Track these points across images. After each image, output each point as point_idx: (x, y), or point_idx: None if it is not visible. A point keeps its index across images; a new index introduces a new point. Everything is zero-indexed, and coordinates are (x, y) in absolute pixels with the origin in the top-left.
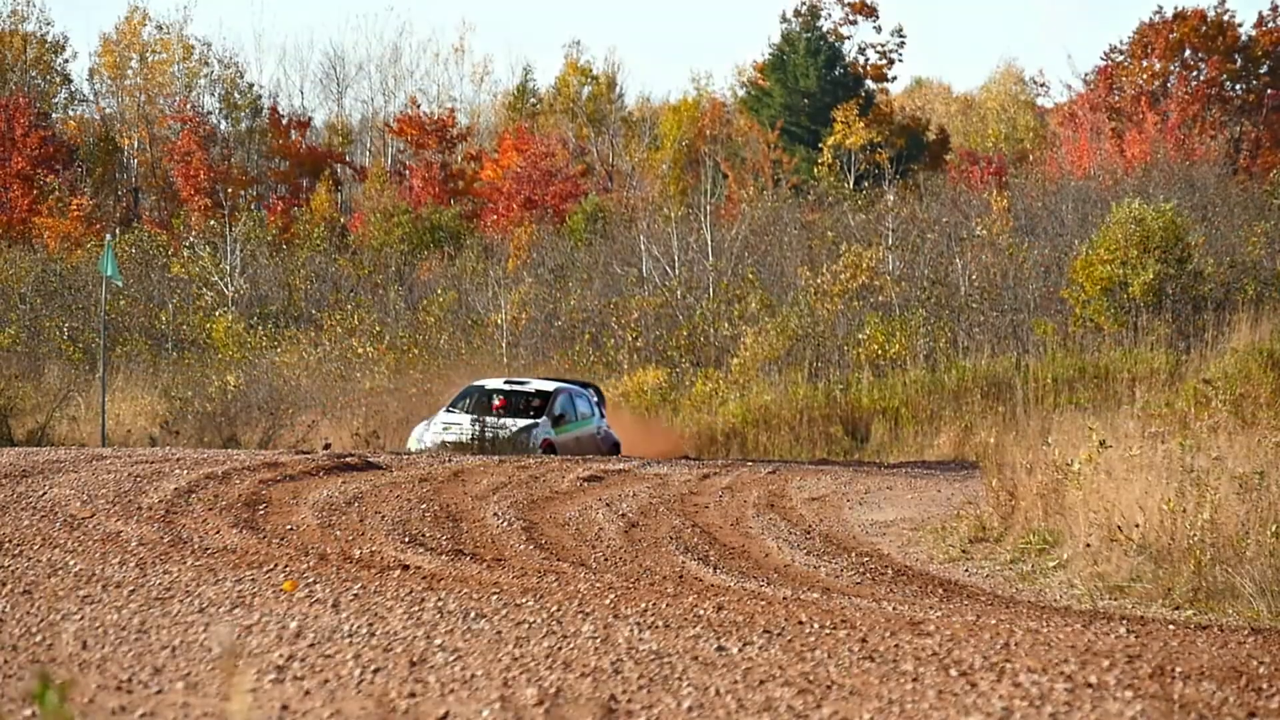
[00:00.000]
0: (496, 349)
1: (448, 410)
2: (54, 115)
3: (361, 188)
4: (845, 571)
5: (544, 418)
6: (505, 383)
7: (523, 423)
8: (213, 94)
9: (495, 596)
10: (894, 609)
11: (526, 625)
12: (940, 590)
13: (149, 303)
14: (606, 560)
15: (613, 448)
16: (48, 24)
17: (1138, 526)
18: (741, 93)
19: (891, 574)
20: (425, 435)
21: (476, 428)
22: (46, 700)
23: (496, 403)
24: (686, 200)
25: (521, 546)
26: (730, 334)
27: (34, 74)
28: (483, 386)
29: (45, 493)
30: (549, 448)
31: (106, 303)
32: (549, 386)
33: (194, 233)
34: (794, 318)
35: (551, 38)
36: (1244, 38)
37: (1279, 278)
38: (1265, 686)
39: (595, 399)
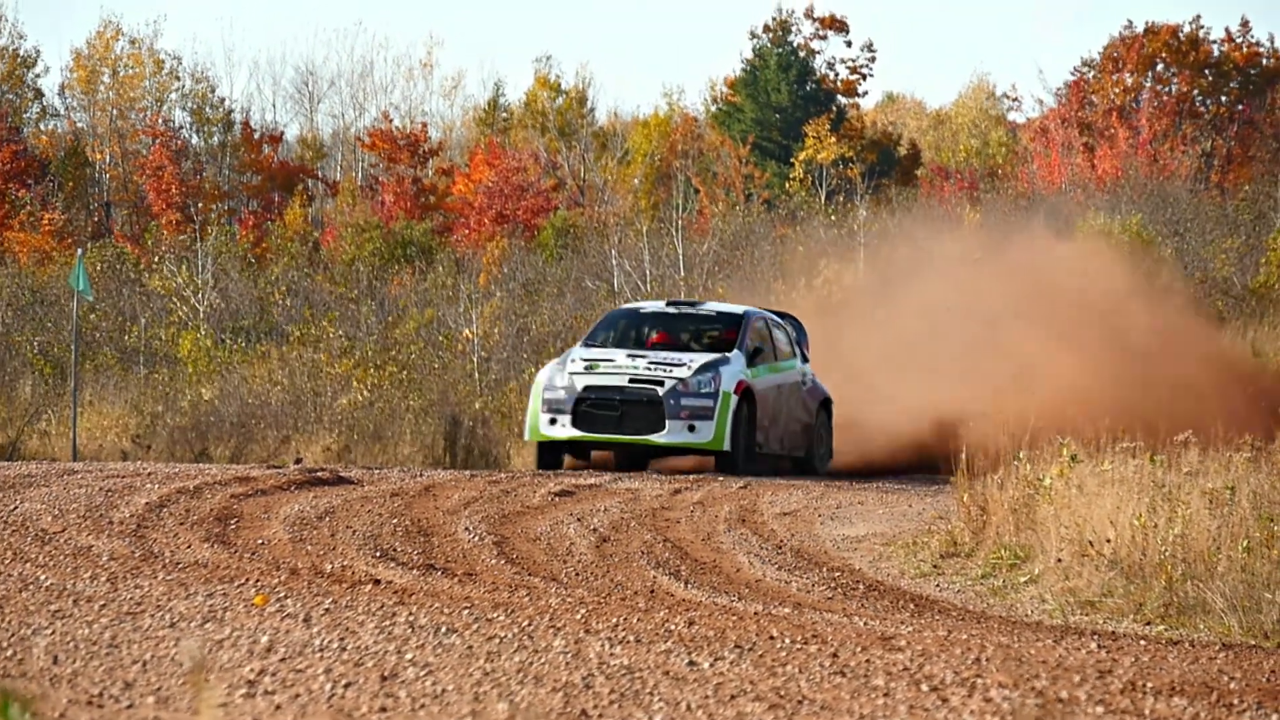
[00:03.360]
0: (469, 363)
1: (585, 345)
2: (25, 130)
3: (333, 202)
4: (816, 586)
5: (736, 351)
6: (668, 304)
7: (704, 358)
8: (184, 108)
9: (466, 611)
10: (865, 624)
11: (498, 640)
12: (912, 605)
13: (120, 317)
14: (578, 575)
15: (822, 405)
16: (20, 38)
17: (1109, 542)
18: (713, 108)
19: (863, 589)
20: (558, 378)
21: (639, 365)
22: (10, 715)
23: (654, 336)
24: (658, 214)
25: (493, 561)
26: None
27: (5, 88)
28: (637, 310)
29: (16, 507)
30: (746, 395)
31: (78, 317)
32: (736, 309)
33: (164, 247)
34: None
35: (524, 52)
36: (1215, 53)
37: (1250, 293)
38: (1236, 702)
39: (794, 335)
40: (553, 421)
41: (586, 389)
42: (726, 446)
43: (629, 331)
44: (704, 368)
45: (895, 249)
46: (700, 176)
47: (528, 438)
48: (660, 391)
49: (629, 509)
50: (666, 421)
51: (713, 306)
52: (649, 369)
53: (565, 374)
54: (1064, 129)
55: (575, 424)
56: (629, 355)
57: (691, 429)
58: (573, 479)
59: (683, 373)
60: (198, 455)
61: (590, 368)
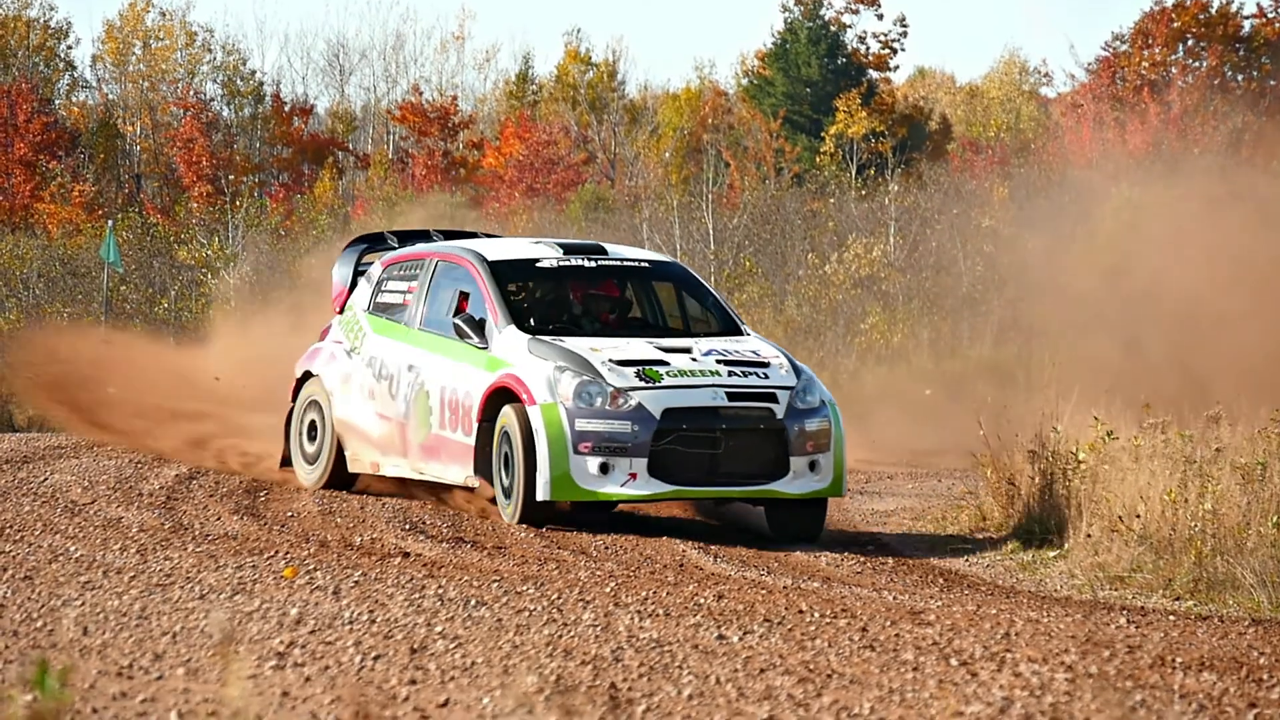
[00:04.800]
0: None
1: (433, 329)
2: (56, 101)
3: (364, 175)
4: (845, 561)
5: (750, 334)
6: (565, 251)
7: (746, 344)
8: (215, 81)
9: (496, 584)
10: (894, 598)
11: (527, 613)
12: (940, 580)
13: (150, 289)
14: (607, 549)
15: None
16: (51, 9)
17: (1139, 517)
18: (744, 82)
19: (892, 563)
20: (590, 395)
21: (708, 362)
22: (47, 685)
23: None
24: (688, 188)
25: (522, 534)
26: None
27: (37, 60)
28: (508, 263)
29: (46, 479)
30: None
31: (109, 289)
32: (661, 257)
33: (194, 219)
34: (793, 307)
35: (555, 25)
36: (1246, 27)
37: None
38: (1266, 677)
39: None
40: (605, 470)
41: (669, 414)
42: (845, 491)
43: (510, 299)
44: (778, 362)
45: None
46: (730, 150)
47: (547, 494)
48: (778, 410)
49: None
50: (791, 460)
51: (629, 253)
52: (725, 369)
53: (602, 386)
54: (1095, 104)
55: (656, 472)
56: (648, 342)
57: (813, 467)
58: None
59: (777, 374)
60: None
61: (648, 374)
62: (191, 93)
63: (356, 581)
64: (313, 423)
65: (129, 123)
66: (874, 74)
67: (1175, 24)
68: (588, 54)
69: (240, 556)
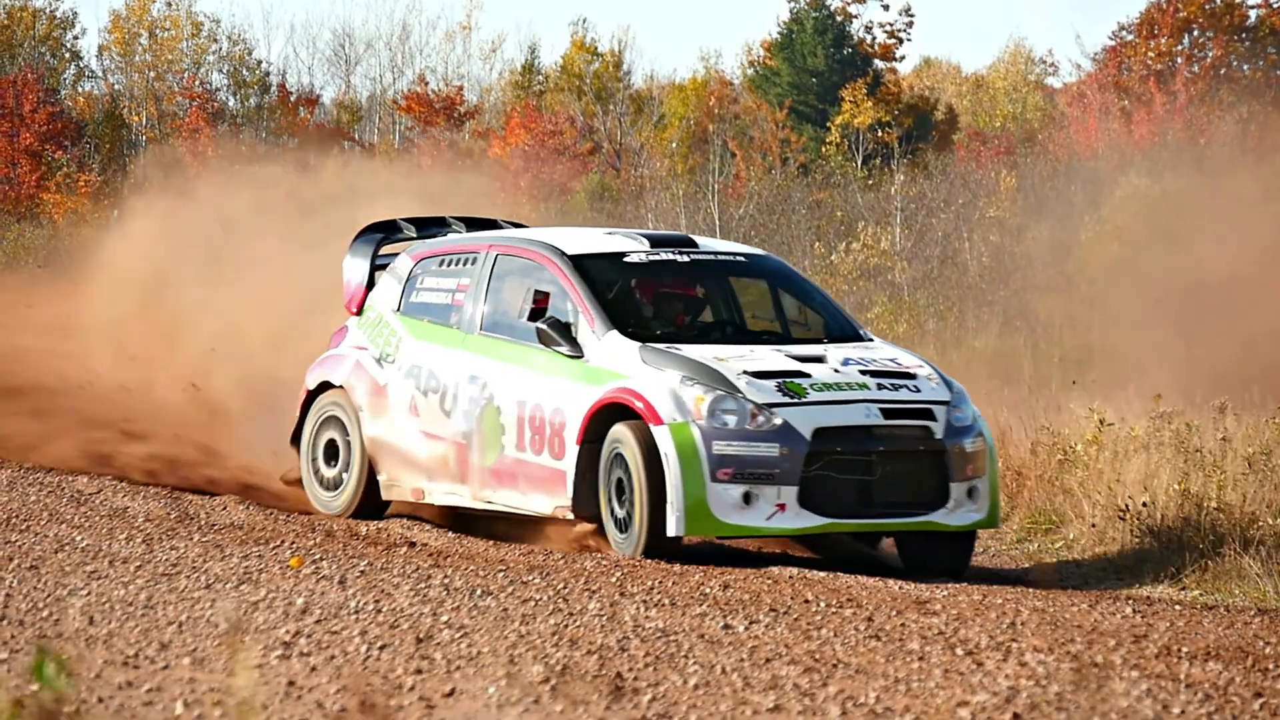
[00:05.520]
0: None
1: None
2: (62, 91)
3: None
4: (851, 550)
5: (875, 338)
6: (653, 244)
7: (879, 351)
8: (221, 71)
9: (501, 574)
10: (900, 588)
11: (533, 602)
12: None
13: None
14: None
15: None
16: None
17: (1144, 506)
18: (750, 71)
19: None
20: (723, 413)
21: (850, 373)
22: (45, 673)
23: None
24: (694, 178)
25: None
26: None
27: (43, 50)
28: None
29: (51, 468)
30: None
31: None
32: (754, 251)
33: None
34: None
35: (561, 15)
36: (1252, 17)
37: None
38: (1272, 667)
39: None
40: (749, 500)
41: (820, 435)
42: (1000, 522)
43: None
44: (925, 372)
45: None
46: (736, 140)
47: (680, 529)
48: (936, 429)
49: None
50: (951, 486)
51: (720, 245)
52: (872, 381)
53: (741, 402)
54: (1101, 94)
55: (807, 502)
56: (776, 350)
57: (971, 494)
58: None
59: (928, 387)
60: None
61: (791, 387)
62: (197, 83)
63: (362, 571)
64: (331, 442)
65: (135, 113)
66: (880, 64)
67: (1181, 14)
68: (593, 44)
69: (246, 546)
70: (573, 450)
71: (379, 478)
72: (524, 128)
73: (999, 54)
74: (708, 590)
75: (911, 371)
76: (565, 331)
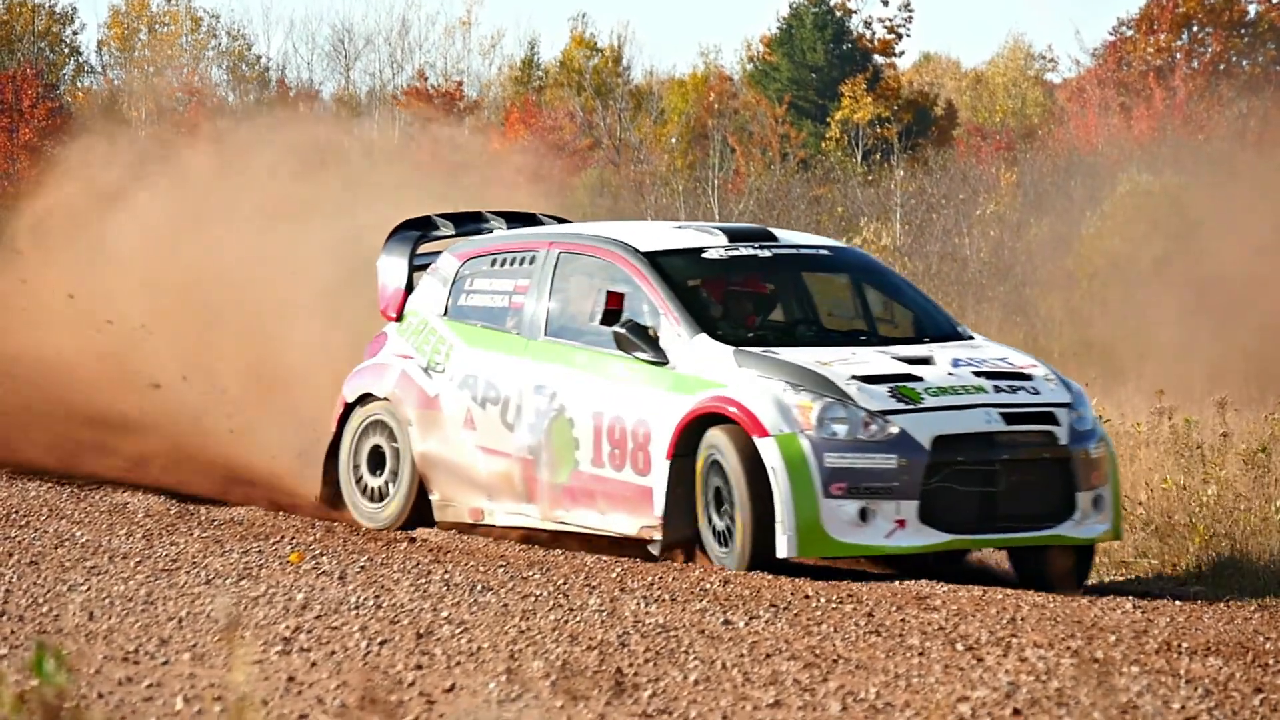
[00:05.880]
0: None
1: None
2: (62, 87)
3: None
4: None
5: (977, 337)
6: (731, 238)
7: (987, 351)
8: (220, 66)
9: (502, 569)
10: (900, 583)
11: (533, 598)
12: (946, 564)
13: None
14: None
15: None
16: None
17: (1143, 502)
18: (749, 67)
19: None
20: (831, 421)
21: (962, 374)
22: (44, 669)
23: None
24: (694, 174)
25: None
26: None
27: (42, 45)
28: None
29: None
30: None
31: None
32: (835, 243)
33: None
34: None
35: (560, 10)
36: (1251, 12)
37: None
38: (1272, 662)
39: None
40: (865, 517)
41: (940, 444)
42: (1123, 534)
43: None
44: (1041, 373)
45: None
46: (736, 136)
47: (792, 550)
48: (1060, 435)
49: None
50: (1077, 496)
51: (800, 238)
52: (988, 383)
53: (852, 410)
54: (1100, 89)
55: (928, 517)
56: (879, 351)
57: (1097, 504)
58: None
59: (1047, 388)
60: None
61: (904, 392)
62: (196, 78)
63: (362, 567)
64: (375, 449)
65: (134, 108)
66: (879, 59)
67: (1180, 9)
68: (593, 39)
69: (246, 541)
70: (661, 465)
71: (431, 497)
72: (524, 123)
73: (998, 49)
74: (708, 586)
75: (1027, 372)
76: (646, 336)
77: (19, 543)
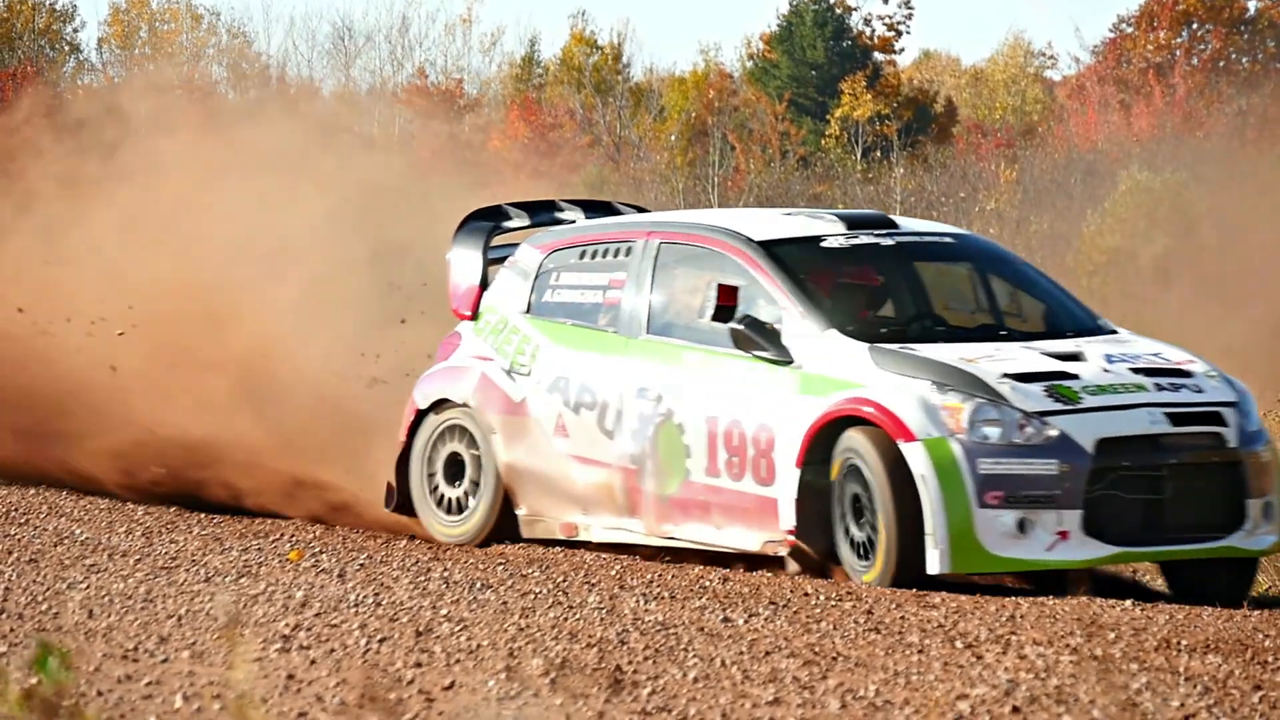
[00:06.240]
0: None
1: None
2: (62, 84)
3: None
4: None
5: (1121, 330)
6: (850, 224)
7: (1142, 345)
8: (220, 64)
9: (501, 567)
10: None
11: (532, 596)
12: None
13: None
14: None
15: None
16: None
17: None
18: (749, 64)
19: None
20: (982, 423)
21: (1118, 370)
22: (48, 668)
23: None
24: (694, 171)
25: None
26: None
27: (42, 43)
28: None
29: None
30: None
31: None
32: (954, 229)
33: None
34: None
35: (562, 7)
36: (1251, 9)
37: None
38: (1271, 660)
39: None
40: (1024, 528)
41: (1104, 447)
42: None
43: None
44: (1202, 369)
45: None
46: (736, 133)
47: (945, 566)
48: (1228, 436)
49: None
50: (1247, 504)
51: (920, 225)
52: (1148, 381)
53: (1006, 411)
54: (1100, 86)
55: (1091, 528)
56: (1026, 347)
57: (1266, 512)
58: None
59: (1209, 385)
60: None
61: (1061, 391)
62: (197, 75)
63: (362, 564)
64: (454, 456)
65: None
66: (879, 57)
67: (1180, 6)
68: (593, 37)
69: (245, 539)
70: (788, 474)
71: (518, 512)
72: (523, 120)
73: (998, 47)
74: (707, 583)
75: (1186, 368)
76: (767, 332)
77: (19, 541)
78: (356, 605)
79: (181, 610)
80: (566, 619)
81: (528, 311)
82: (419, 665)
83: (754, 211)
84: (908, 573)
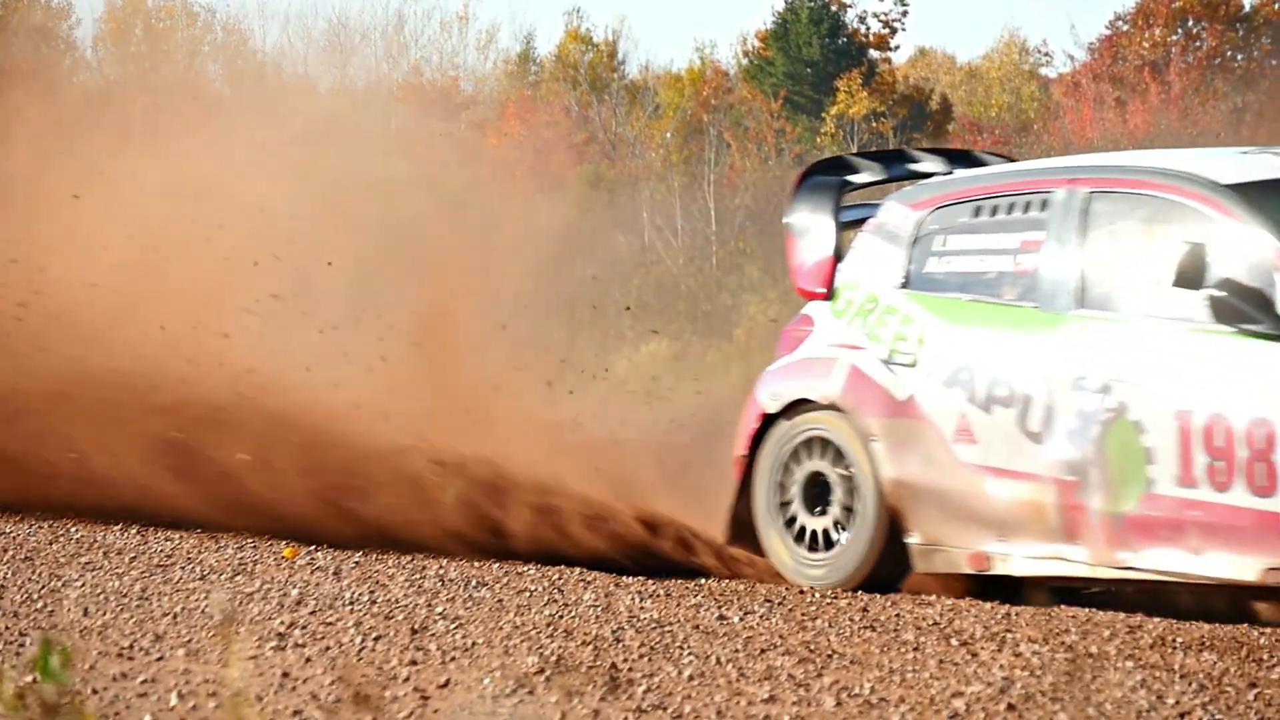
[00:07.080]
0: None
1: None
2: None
3: None
4: None
5: None
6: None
7: None
8: (216, 62)
9: (496, 564)
10: None
11: (528, 593)
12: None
13: None
14: None
15: None
16: None
17: None
18: (745, 62)
19: None
20: None
21: None
22: (49, 666)
23: None
24: (689, 168)
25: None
26: (731, 304)
27: (37, 40)
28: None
29: None
30: None
31: None
32: None
33: None
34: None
35: (558, 5)
36: (1246, 6)
37: None
38: (1266, 657)
39: None
40: None
41: None
42: None
43: None
44: None
45: None
46: (731, 131)
47: None
48: None
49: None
50: None
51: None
52: None
53: None
54: (1096, 84)
55: None
56: None
57: None
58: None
59: None
60: None
61: None
62: (193, 73)
63: (357, 562)
64: (816, 477)
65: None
66: (875, 54)
67: (1176, 4)
68: (588, 34)
69: (241, 537)
70: None
71: (908, 540)
72: (519, 118)
73: (993, 44)
74: (703, 581)
75: None
76: (1260, 299)
77: (14, 538)
78: (352, 603)
79: (177, 608)
80: (562, 617)
81: (905, 285)
82: (414, 663)
83: (1201, 151)
84: None
